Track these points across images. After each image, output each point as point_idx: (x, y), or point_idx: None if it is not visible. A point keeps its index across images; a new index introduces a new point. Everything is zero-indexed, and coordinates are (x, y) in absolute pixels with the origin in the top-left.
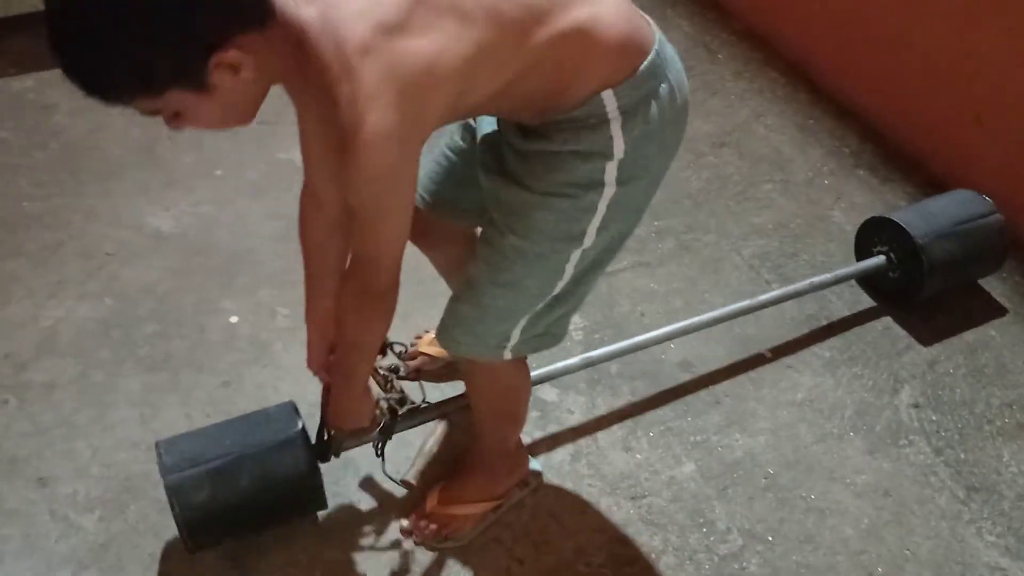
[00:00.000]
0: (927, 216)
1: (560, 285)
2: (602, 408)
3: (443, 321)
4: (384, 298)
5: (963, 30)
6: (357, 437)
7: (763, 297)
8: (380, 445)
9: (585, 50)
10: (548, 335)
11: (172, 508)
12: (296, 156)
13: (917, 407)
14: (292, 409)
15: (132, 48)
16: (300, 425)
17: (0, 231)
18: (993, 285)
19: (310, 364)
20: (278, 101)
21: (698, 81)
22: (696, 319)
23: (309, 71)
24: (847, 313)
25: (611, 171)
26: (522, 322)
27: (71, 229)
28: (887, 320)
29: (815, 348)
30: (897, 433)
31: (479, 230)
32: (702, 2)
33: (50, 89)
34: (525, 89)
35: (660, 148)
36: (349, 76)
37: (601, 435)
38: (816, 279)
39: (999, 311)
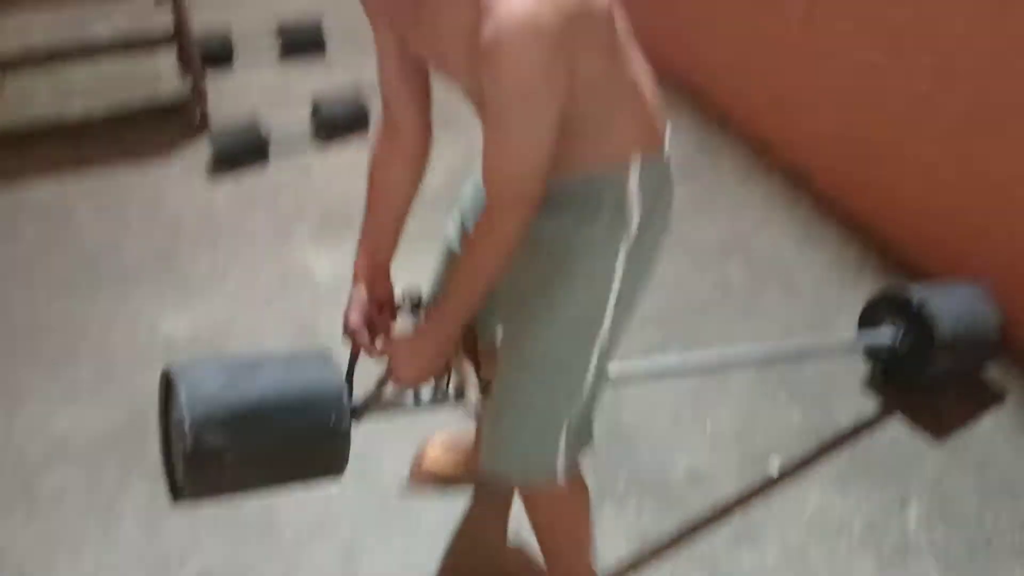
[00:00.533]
0: (936, 294)
1: (587, 385)
2: (609, 523)
3: (486, 449)
4: (524, 224)
5: (959, 144)
6: (404, 394)
7: (775, 350)
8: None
9: (634, 106)
10: (584, 431)
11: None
12: (310, 263)
13: (925, 524)
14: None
15: None
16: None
17: (17, 337)
18: (989, 377)
19: (350, 323)
20: (292, 207)
21: (701, 188)
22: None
23: None
24: (854, 419)
25: (624, 240)
26: (564, 427)
27: (87, 335)
28: (895, 426)
29: (823, 461)
30: (905, 552)
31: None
32: (706, 110)
33: (71, 194)
34: (579, 106)
35: (661, 224)
36: None
37: (606, 550)
38: (826, 342)
39: (998, 399)
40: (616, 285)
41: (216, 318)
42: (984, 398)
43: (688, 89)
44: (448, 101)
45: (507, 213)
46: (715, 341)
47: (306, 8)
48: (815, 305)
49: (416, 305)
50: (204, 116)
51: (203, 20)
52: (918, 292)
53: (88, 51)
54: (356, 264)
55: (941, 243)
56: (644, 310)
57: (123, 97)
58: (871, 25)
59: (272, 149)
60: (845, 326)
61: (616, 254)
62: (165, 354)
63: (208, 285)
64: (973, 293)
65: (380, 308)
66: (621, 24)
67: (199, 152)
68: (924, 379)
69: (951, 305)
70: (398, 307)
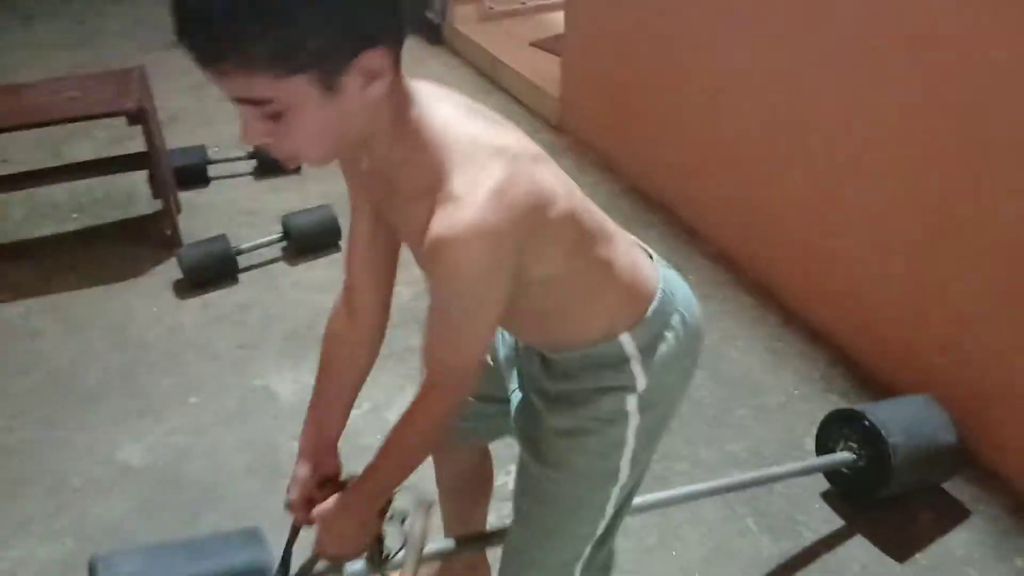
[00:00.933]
0: (888, 411)
1: (603, 524)
2: None
3: None
4: (456, 408)
5: (919, 261)
6: (337, 567)
7: (733, 480)
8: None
9: (607, 286)
10: (605, 568)
11: None
12: (272, 382)
13: None
14: (258, 534)
15: (293, 8)
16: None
17: None
18: (953, 491)
19: (293, 502)
20: (258, 325)
21: None
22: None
23: (409, 145)
24: (822, 542)
25: (633, 402)
26: (578, 568)
27: (42, 462)
28: (863, 548)
29: None
30: None
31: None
32: (674, 224)
33: (39, 316)
34: (548, 301)
35: (679, 374)
36: (473, 164)
37: None
38: (786, 467)
39: (964, 514)
40: (629, 450)
41: (174, 443)
42: (951, 513)
43: (657, 203)
44: None
45: (441, 396)
46: (684, 460)
47: None
48: (783, 421)
49: None
50: (175, 235)
51: (181, 138)
52: (871, 411)
53: (63, 172)
54: (301, 439)
55: (905, 357)
56: None
57: (95, 216)
58: (832, 137)
59: (242, 267)
60: (810, 444)
61: (626, 419)
62: (119, 482)
63: (169, 407)
64: (927, 407)
65: (322, 484)
66: (591, 217)
67: (169, 271)
68: (885, 498)
69: (904, 421)
70: (343, 484)
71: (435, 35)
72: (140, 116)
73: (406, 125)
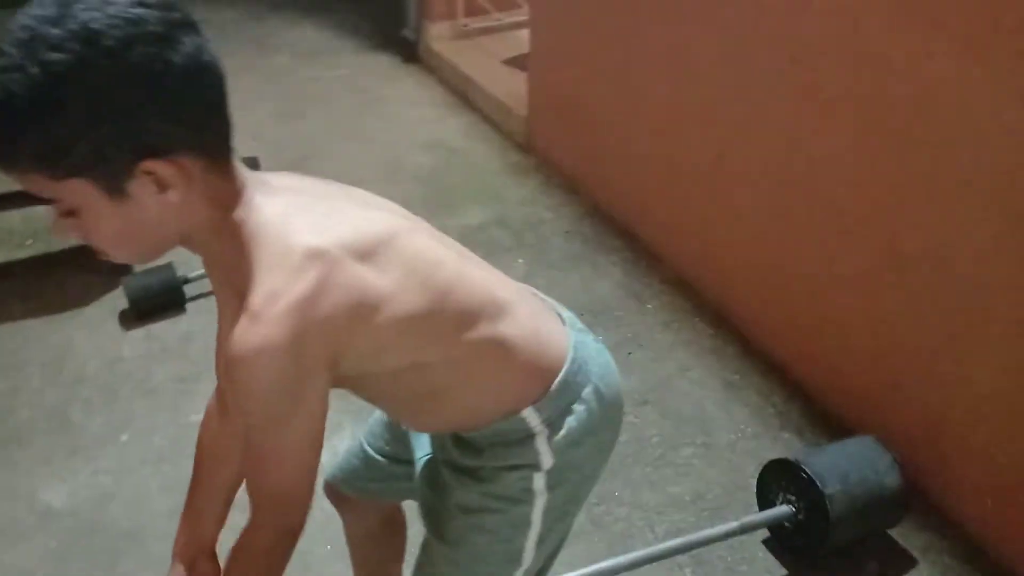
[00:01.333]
0: (827, 458)
1: None
2: None
3: None
4: (284, 545)
5: (872, 294)
6: None
7: (659, 547)
8: None
9: (500, 365)
10: None
11: None
12: None
13: None
14: None
15: (57, 106)
16: None
17: None
18: (902, 538)
19: None
20: (201, 357)
21: (625, 332)
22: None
23: (231, 245)
24: None
25: (540, 480)
26: None
27: None
28: None
29: None
30: None
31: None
32: (636, 249)
33: None
34: (427, 385)
35: (592, 449)
36: (280, 273)
37: None
38: (724, 527)
39: (912, 562)
40: (534, 531)
41: (99, 483)
42: (899, 563)
43: (620, 226)
44: None
45: (262, 530)
46: (623, 504)
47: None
48: (732, 461)
49: None
50: (121, 264)
51: None
52: (808, 460)
53: (17, 198)
54: (175, 542)
55: (860, 393)
56: None
57: (50, 243)
58: (784, 162)
59: (189, 296)
60: None
61: (532, 499)
62: (38, 526)
63: (99, 446)
64: (871, 449)
65: None
66: (470, 295)
67: (116, 300)
68: (828, 549)
69: (843, 468)
70: None
71: (410, 53)
72: None
73: (227, 226)
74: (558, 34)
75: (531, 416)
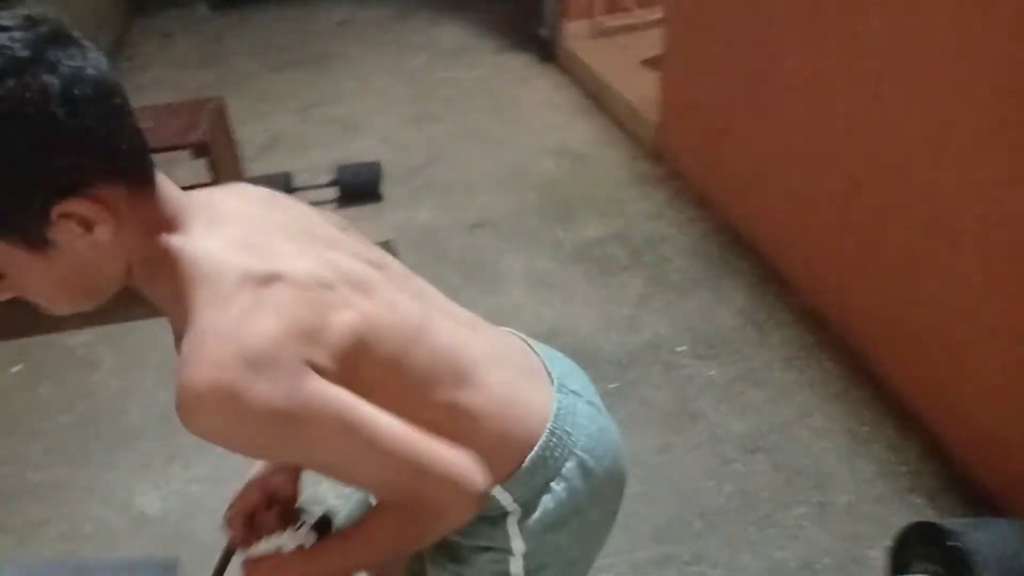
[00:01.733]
0: (980, 532)
1: None
2: None
3: None
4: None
5: (1018, 342)
6: None
7: None
8: None
9: (463, 437)
10: None
11: None
12: None
13: None
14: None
15: None
16: None
17: None
18: None
19: (231, 517)
20: None
21: (741, 368)
22: None
23: (165, 282)
24: None
25: (517, 564)
26: None
27: (61, 505)
28: None
29: None
30: None
31: None
32: (763, 274)
33: (101, 346)
34: None
35: (578, 530)
36: (214, 299)
37: None
38: None
39: None
40: None
41: (190, 492)
42: None
43: (748, 246)
44: None
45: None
46: (719, 567)
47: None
48: (850, 525)
49: (319, 527)
50: None
51: (278, 162)
52: (962, 532)
53: None
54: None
55: (1010, 463)
56: (644, 519)
57: None
58: (919, 196)
59: None
60: (877, 559)
61: (506, 563)
62: (130, 531)
63: (196, 455)
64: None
65: (270, 506)
66: (432, 356)
67: None
68: None
69: (1000, 550)
70: (295, 518)
71: (546, 52)
72: (204, 149)
73: (162, 260)
74: (693, 36)
75: (501, 495)
